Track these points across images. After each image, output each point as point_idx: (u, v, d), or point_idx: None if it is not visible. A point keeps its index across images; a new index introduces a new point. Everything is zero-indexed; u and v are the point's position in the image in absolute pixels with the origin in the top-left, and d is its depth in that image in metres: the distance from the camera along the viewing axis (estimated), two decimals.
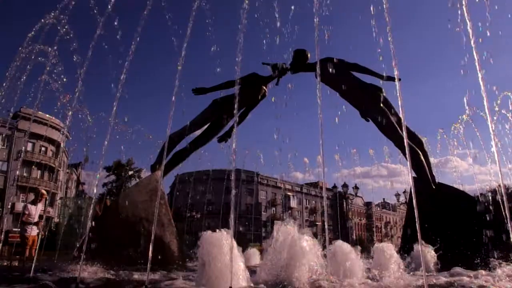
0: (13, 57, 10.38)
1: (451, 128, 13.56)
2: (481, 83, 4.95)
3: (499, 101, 10.91)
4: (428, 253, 7.62)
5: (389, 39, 5.49)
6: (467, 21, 5.19)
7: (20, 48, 10.23)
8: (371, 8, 7.41)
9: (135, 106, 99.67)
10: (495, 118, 11.08)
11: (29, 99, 10.59)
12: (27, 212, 10.85)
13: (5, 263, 12.13)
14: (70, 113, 9.89)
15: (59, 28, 9.70)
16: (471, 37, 5.04)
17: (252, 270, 5.99)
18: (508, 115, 11.24)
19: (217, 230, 5.17)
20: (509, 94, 10.90)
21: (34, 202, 11.21)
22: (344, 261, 5.95)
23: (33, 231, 10.77)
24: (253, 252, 13.59)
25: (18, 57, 10.29)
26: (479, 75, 4.99)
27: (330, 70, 9.88)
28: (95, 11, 9.12)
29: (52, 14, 9.83)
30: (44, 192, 11.95)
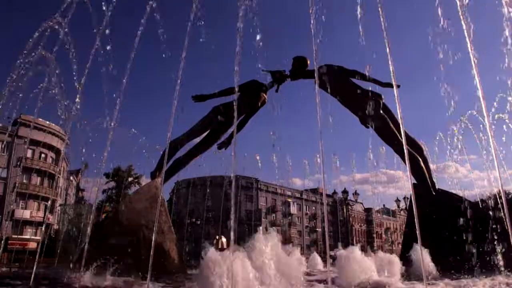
0: (13, 64, 10.43)
1: (451, 132, 13.51)
2: (478, 87, 5.00)
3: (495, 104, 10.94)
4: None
5: (386, 44, 5.53)
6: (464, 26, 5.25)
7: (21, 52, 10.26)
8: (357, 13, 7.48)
9: (134, 110, 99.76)
10: (498, 116, 11.10)
11: (27, 104, 10.63)
12: None
13: (4, 270, 12.10)
14: (70, 119, 9.92)
15: (58, 33, 9.76)
16: (469, 44, 5.09)
17: None
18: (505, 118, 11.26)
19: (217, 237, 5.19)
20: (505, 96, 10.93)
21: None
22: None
23: None
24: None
25: (18, 64, 10.33)
26: (477, 79, 5.04)
27: (329, 77, 9.92)
28: (94, 15, 9.21)
29: (51, 20, 9.88)
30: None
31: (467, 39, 5.23)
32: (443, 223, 8.51)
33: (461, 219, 8.38)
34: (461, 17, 5.39)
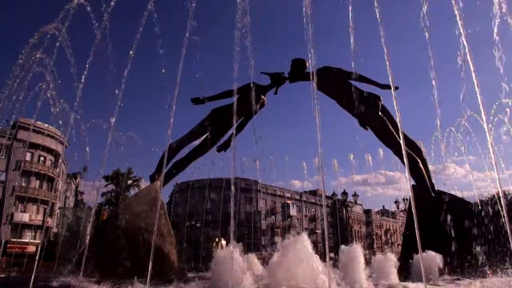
0: (12, 67, 10.42)
1: (446, 132, 13.47)
2: (477, 89, 5.01)
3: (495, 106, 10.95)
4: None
5: (384, 46, 5.55)
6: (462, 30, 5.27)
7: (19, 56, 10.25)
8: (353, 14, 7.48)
9: (134, 110, 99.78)
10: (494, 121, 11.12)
11: (25, 106, 10.62)
12: None
13: (4, 275, 12.04)
14: (69, 122, 9.91)
15: (57, 35, 9.75)
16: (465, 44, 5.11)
17: None
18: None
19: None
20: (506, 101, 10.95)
21: None
22: None
23: None
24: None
25: (17, 66, 10.31)
26: (475, 81, 5.06)
27: (328, 78, 9.94)
28: (93, 17, 9.23)
29: (50, 23, 9.88)
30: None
31: (464, 41, 5.25)
32: (442, 223, 8.53)
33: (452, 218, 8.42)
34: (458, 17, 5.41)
